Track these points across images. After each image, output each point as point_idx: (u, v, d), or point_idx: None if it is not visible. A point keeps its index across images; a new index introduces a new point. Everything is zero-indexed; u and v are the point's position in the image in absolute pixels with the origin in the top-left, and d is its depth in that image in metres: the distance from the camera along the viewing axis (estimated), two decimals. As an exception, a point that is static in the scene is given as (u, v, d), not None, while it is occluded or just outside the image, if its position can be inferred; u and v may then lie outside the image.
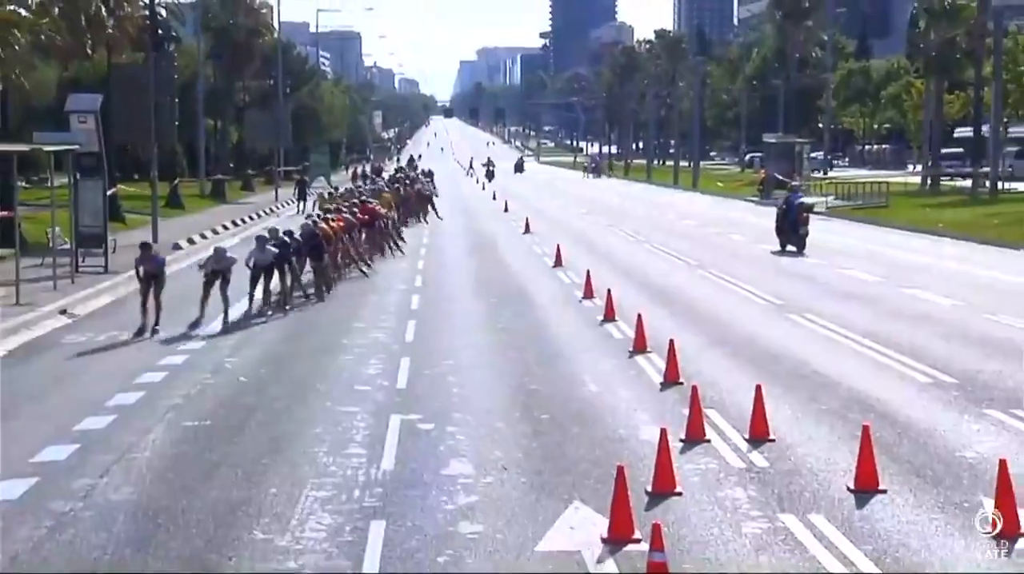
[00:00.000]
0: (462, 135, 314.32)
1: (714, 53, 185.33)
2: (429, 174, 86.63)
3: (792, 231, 47.75)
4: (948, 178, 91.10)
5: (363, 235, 42.30)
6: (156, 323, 28.20)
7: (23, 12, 47.93)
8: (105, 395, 21.16)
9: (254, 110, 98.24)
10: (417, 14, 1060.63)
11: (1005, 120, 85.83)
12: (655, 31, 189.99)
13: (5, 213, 39.58)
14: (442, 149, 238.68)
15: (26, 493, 15.01)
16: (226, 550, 12.97)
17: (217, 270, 29.21)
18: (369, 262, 41.30)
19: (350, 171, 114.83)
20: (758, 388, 18.24)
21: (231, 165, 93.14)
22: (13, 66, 47.86)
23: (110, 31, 61.57)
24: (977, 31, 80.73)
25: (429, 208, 67.30)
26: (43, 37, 49.40)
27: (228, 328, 28.94)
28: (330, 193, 59.43)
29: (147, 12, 79.44)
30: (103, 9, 61.82)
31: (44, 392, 22.11)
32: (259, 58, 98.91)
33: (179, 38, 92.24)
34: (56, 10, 53.74)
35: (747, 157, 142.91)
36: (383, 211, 47.52)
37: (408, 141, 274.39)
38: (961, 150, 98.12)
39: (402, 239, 49.67)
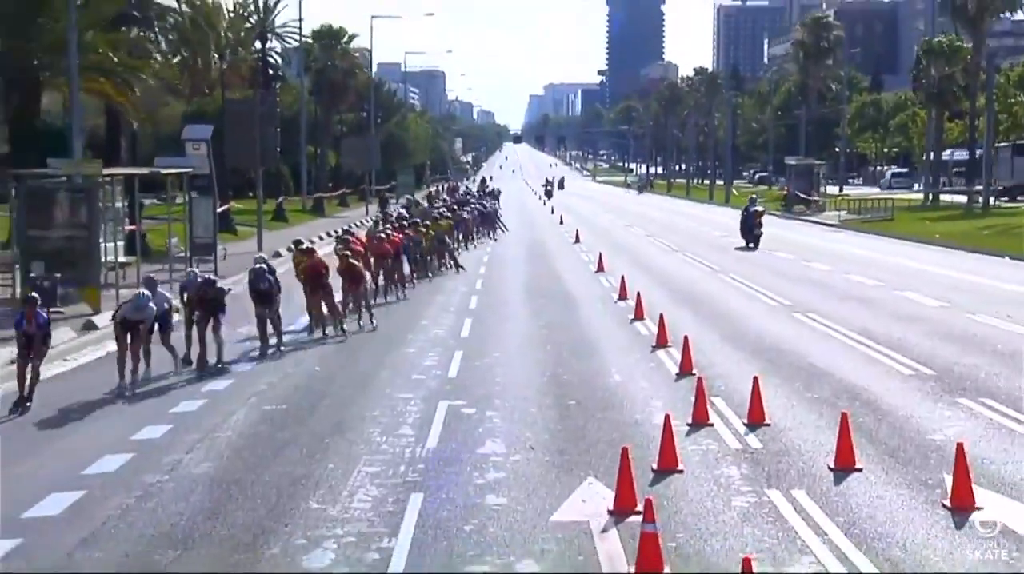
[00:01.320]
0: (529, 159, 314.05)
1: (746, 87, 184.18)
2: (495, 194, 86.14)
3: (748, 232, 53.96)
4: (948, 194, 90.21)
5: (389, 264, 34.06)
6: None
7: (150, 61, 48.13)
8: (200, 382, 21.23)
9: (349, 138, 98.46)
10: (493, 54, 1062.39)
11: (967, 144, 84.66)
12: (695, 69, 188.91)
13: (132, 227, 39.91)
14: (512, 171, 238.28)
15: (122, 467, 15.06)
16: (284, 518, 12.90)
17: (131, 319, 20.51)
18: (398, 292, 33.69)
19: (432, 189, 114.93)
20: (755, 379, 18.10)
21: (329, 185, 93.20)
22: (142, 104, 48.42)
23: (224, 73, 62.44)
24: (972, 69, 79.82)
25: (497, 224, 64.05)
26: (166, 80, 49.55)
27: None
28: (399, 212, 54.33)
29: (259, 56, 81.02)
30: (217, 57, 62.77)
31: (147, 377, 21.66)
32: (353, 94, 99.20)
33: (285, 77, 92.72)
34: (178, 59, 54.13)
35: (756, 176, 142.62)
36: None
37: (484, 164, 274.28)
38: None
39: (457, 262, 43.27)
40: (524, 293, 36.23)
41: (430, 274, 40.02)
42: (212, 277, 25.05)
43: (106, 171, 33.48)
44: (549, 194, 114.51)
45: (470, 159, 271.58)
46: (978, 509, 12.90)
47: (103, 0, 46.82)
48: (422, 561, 11.54)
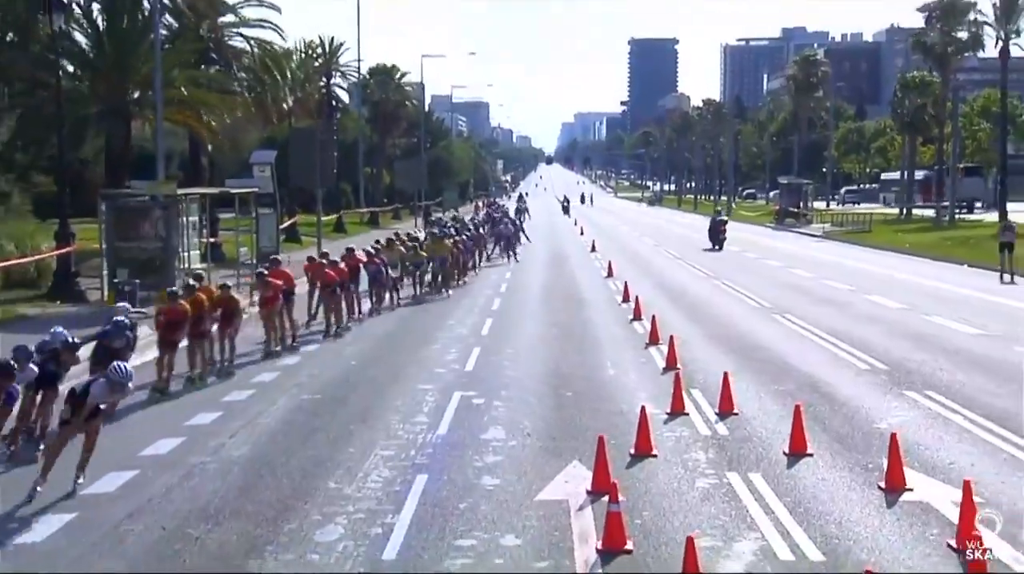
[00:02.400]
0: (559, 177, 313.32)
1: (748, 116, 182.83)
2: (520, 210, 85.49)
3: (715, 237, 58.93)
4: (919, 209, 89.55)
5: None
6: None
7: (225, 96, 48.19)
8: (250, 374, 21.07)
9: (401, 160, 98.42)
10: (530, 87, 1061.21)
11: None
12: (704, 100, 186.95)
13: (213, 239, 40.13)
14: (545, 189, 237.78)
15: (172, 450, 14.95)
16: (304, 497, 12.74)
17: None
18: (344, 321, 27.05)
19: (478, 202, 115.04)
20: (725, 374, 17.86)
21: (384, 200, 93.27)
22: (223, 132, 48.53)
23: (292, 105, 62.79)
24: (941, 100, 79.05)
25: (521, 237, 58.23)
26: (239, 113, 49.60)
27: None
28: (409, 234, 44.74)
29: (324, 90, 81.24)
30: (288, 91, 62.94)
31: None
32: (405, 122, 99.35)
33: (347, 108, 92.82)
34: (252, 94, 54.23)
35: (743, 192, 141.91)
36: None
37: (521, 182, 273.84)
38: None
39: (463, 278, 39.14)
40: (542, 296, 35.81)
41: (438, 289, 35.35)
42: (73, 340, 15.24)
43: (181, 191, 33.55)
44: (566, 210, 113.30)
45: (509, 178, 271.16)
46: (908, 490, 12.71)
47: (185, 43, 46.99)
48: (419, 536, 11.33)
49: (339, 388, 19.76)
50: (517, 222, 61.65)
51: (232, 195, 37.78)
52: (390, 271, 31.96)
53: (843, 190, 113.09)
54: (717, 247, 57.93)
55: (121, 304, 20.35)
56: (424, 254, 35.55)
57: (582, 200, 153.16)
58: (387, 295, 31.65)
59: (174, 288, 21.06)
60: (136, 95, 42.95)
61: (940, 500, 12.21)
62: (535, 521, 11.82)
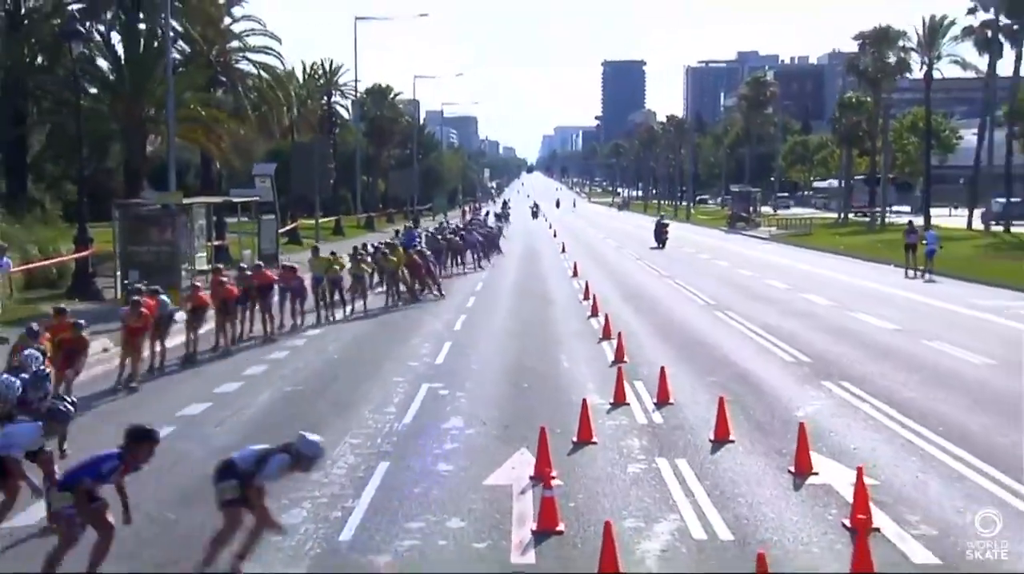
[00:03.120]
0: (540, 184, 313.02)
1: (706, 130, 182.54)
2: (503, 215, 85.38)
3: (659, 237, 61.79)
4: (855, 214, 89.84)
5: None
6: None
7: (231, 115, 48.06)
8: (242, 367, 20.84)
9: (395, 170, 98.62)
10: (515, 103, 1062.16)
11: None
12: (667, 116, 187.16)
13: (221, 242, 39.98)
14: (528, 195, 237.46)
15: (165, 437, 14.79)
16: (277, 484, 12.44)
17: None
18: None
19: (465, 207, 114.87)
20: (662, 368, 17.79)
21: (380, 206, 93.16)
22: (231, 147, 48.39)
23: (294, 122, 62.76)
24: (874, 118, 79.24)
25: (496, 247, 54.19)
26: (243, 131, 49.42)
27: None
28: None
29: (325, 106, 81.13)
30: (292, 109, 62.86)
31: (204, 362, 21.58)
32: (398, 135, 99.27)
33: (347, 123, 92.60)
34: (256, 112, 54.07)
35: (697, 198, 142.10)
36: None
37: (505, 188, 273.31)
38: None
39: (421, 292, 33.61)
40: (513, 294, 35.59)
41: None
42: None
43: (187, 200, 33.32)
44: (534, 215, 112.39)
45: (495, 185, 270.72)
46: (814, 474, 12.67)
47: (195, 69, 46.86)
48: (374, 519, 11.21)
49: (320, 381, 19.54)
50: (497, 228, 60.71)
51: (235, 203, 37.62)
52: (333, 283, 28.83)
53: (775, 196, 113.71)
54: (660, 245, 60.48)
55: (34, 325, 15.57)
56: (365, 267, 31.05)
57: (557, 205, 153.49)
58: (349, 302, 29.47)
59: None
60: (152, 114, 42.77)
61: (841, 483, 12.17)
62: (480, 504, 11.73)
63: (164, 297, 20.56)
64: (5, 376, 11.70)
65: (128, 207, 31.48)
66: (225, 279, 23.51)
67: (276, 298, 25.72)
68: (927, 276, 39.97)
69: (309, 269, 28.30)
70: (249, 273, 24.88)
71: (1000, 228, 61.56)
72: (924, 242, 41.54)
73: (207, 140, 45.08)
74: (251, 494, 9.44)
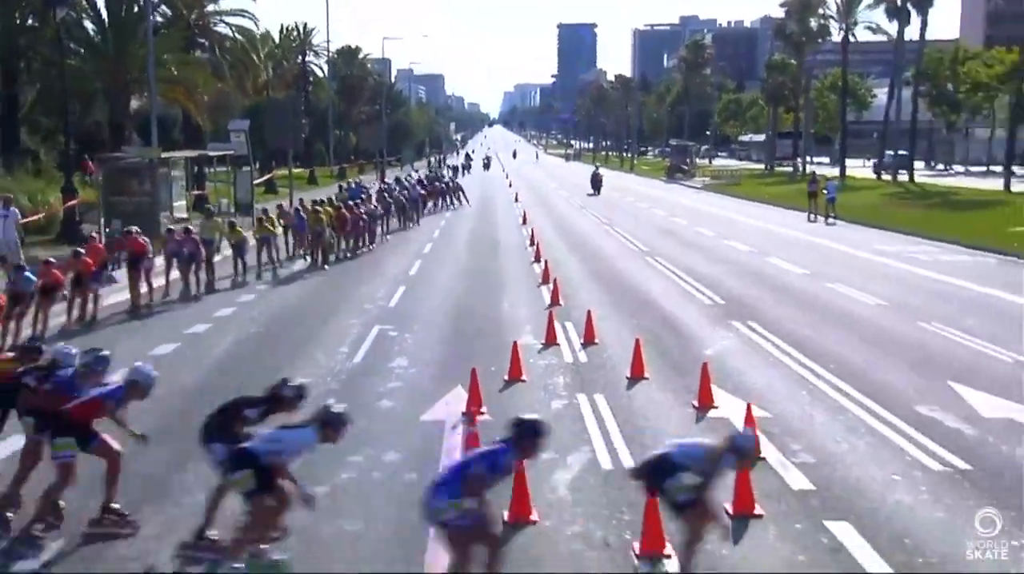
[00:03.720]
0: (501, 137, 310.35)
1: (651, 89, 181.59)
2: (464, 166, 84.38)
3: (595, 186, 63.34)
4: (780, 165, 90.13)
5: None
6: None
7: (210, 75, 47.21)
8: (213, 309, 20.60)
9: (366, 124, 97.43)
10: (479, 62, 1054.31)
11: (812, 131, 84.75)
12: (616, 75, 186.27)
13: (200, 191, 39.53)
14: (489, 147, 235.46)
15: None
16: None
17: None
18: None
19: (427, 160, 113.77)
20: (588, 312, 17.89)
21: (351, 157, 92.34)
22: (212, 104, 47.68)
23: (269, 80, 61.68)
24: (797, 78, 79.31)
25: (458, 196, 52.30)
26: (221, 86, 48.58)
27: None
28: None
29: (300, 65, 79.86)
30: (268, 68, 61.89)
31: (183, 305, 21.28)
32: (368, 92, 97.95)
33: (321, 80, 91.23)
34: (232, 73, 53.14)
35: (640, 151, 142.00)
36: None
37: (469, 141, 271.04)
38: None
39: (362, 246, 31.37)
40: (467, 241, 35.30)
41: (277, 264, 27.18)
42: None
43: (166, 154, 32.90)
44: (486, 166, 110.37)
45: (460, 137, 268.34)
46: (715, 407, 12.83)
47: (175, 32, 45.95)
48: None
49: (281, 324, 19.32)
50: (455, 182, 57.28)
51: (211, 157, 37.17)
52: (237, 248, 25.27)
53: (702, 148, 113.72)
54: (596, 192, 62.42)
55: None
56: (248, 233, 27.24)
57: (514, 155, 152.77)
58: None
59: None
60: (134, 74, 41.93)
61: (737, 416, 12.26)
62: (415, 439, 11.75)
63: (28, 273, 17.34)
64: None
65: (110, 161, 31.11)
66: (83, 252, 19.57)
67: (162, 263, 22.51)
68: (829, 220, 40.82)
69: (200, 233, 23.75)
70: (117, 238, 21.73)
71: (900, 178, 62.16)
72: (825, 191, 42.16)
73: (186, 99, 44.39)
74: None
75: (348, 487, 10.24)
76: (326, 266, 27.59)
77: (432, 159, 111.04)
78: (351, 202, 32.69)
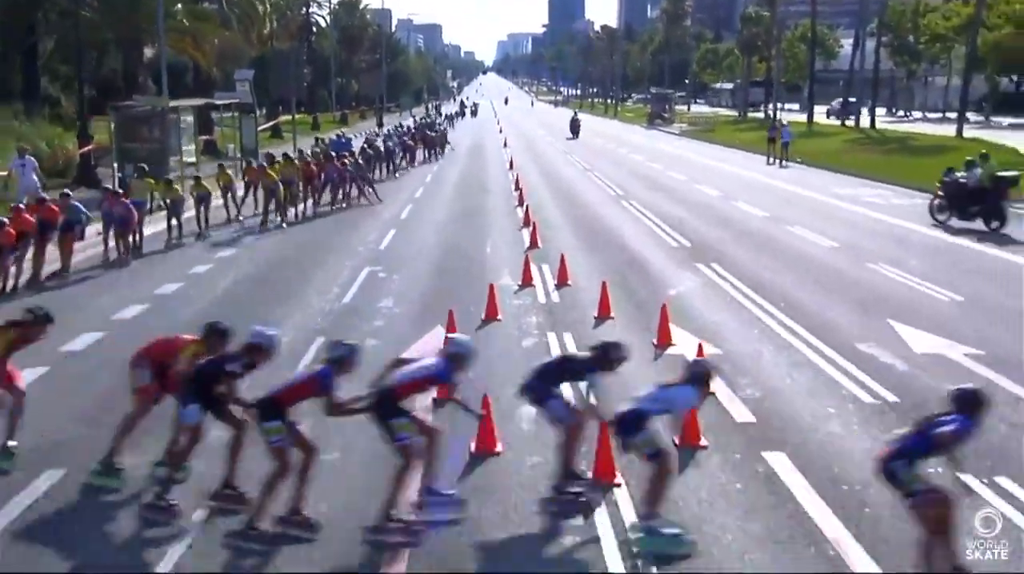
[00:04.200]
0: (494, 84, 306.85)
1: (635, 39, 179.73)
2: (458, 114, 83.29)
3: (573, 130, 65.67)
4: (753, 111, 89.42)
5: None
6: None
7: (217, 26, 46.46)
8: (214, 252, 20.51)
9: (366, 72, 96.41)
10: (476, 13, 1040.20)
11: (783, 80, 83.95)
12: (602, 26, 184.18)
13: (209, 136, 39.16)
14: (483, 95, 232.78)
15: (143, 312, 14.86)
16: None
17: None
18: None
19: (427, 107, 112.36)
20: (562, 255, 17.85)
21: (353, 104, 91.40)
22: (219, 53, 46.94)
23: (273, 31, 60.70)
24: (770, 30, 78.35)
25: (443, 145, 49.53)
26: (228, 35, 47.81)
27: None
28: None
29: (303, 15, 78.56)
30: (273, 20, 60.87)
31: (183, 246, 21.18)
32: (369, 41, 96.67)
33: (323, 30, 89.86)
34: (239, 25, 52.25)
35: (626, 97, 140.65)
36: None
37: (465, 87, 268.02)
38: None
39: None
40: (456, 185, 34.90)
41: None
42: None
43: (174, 103, 32.44)
44: (474, 113, 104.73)
45: (456, 84, 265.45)
46: (672, 345, 12.86)
47: (183, -17, 45.16)
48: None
49: (279, 265, 19.18)
50: (442, 131, 54.42)
51: (217, 105, 36.78)
52: (173, 206, 21.84)
53: (676, 94, 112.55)
54: (575, 135, 63.89)
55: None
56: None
57: (506, 102, 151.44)
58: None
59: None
60: (145, 25, 41.21)
61: (691, 353, 12.33)
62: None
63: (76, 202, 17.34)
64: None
65: (122, 109, 30.68)
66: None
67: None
68: (784, 164, 40.93)
69: (132, 194, 20.18)
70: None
71: (849, 123, 61.98)
72: (782, 137, 42.32)
73: (195, 49, 43.70)
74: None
75: (329, 419, 10.26)
76: (284, 224, 24.18)
77: (428, 106, 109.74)
78: (335, 154, 29.84)
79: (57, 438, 9.70)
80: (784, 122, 50.52)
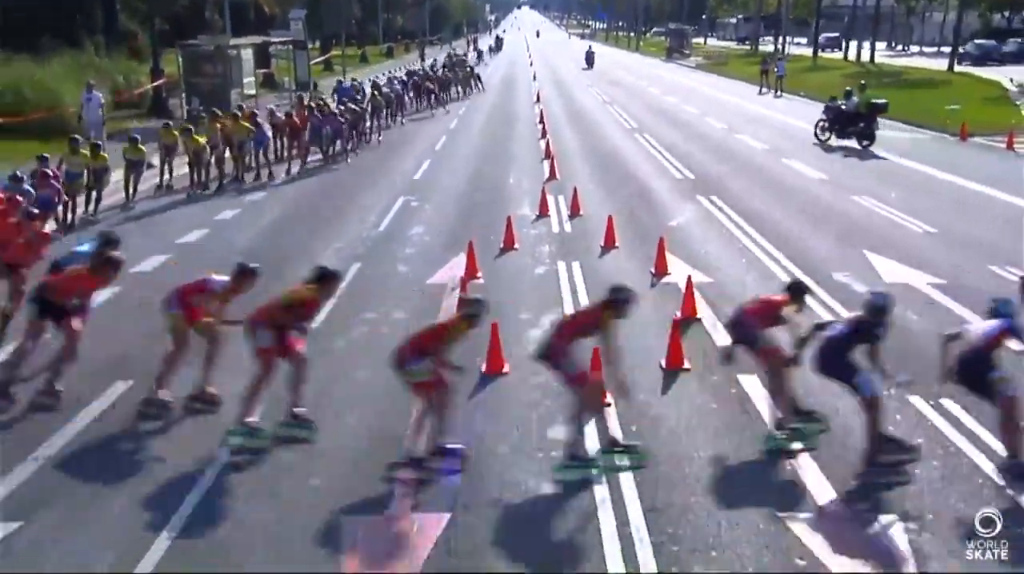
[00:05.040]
0: (528, 18, 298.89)
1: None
2: (492, 49, 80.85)
3: (588, 61, 63.75)
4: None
5: None
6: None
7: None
8: (270, 182, 20.24)
9: (411, 7, 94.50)
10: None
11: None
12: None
13: (267, 70, 38.89)
14: (518, 29, 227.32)
15: (205, 236, 15.04)
16: (278, 279, 11.87)
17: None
18: None
19: (466, 39, 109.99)
20: (575, 188, 17.66)
21: (398, 37, 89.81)
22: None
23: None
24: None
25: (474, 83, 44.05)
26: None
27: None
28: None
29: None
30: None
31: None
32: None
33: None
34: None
35: (648, 31, 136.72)
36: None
37: (502, 21, 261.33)
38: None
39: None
40: (488, 117, 34.05)
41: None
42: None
43: (234, 41, 32.18)
44: (499, 47, 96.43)
45: (494, 18, 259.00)
46: (668, 274, 12.80)
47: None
48: (342, 308, 10.99)
49: (324, 193, 18.99)
50: (472, 69, 48.13)
51: (273, 43, 36.40)
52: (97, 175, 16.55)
53: (691, 29, 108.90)
54: (589, 66, 62.66)
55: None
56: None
57: (537, 35, 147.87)
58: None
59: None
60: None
61: (681, 279, 12.14)
62: (421, 299, 11.76)
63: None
64: None
65: (188, 47, 30.56)
66: None
67: None
68: (777, 94, 40.82)
69: (67, 168, 15.88)
70: None
71: (833, 55, 60.10)
72: (776, 70, 41.88)
73: (256, -9, 43.07)
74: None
75: (360, 340, 10.50)
76: (207, 188, 19.04)
77: (467, 40, 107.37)
78: (342, 101, 26.20)
79: (126, 352, 9.93)
80: (780, 56, 49.11)
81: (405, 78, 37.20)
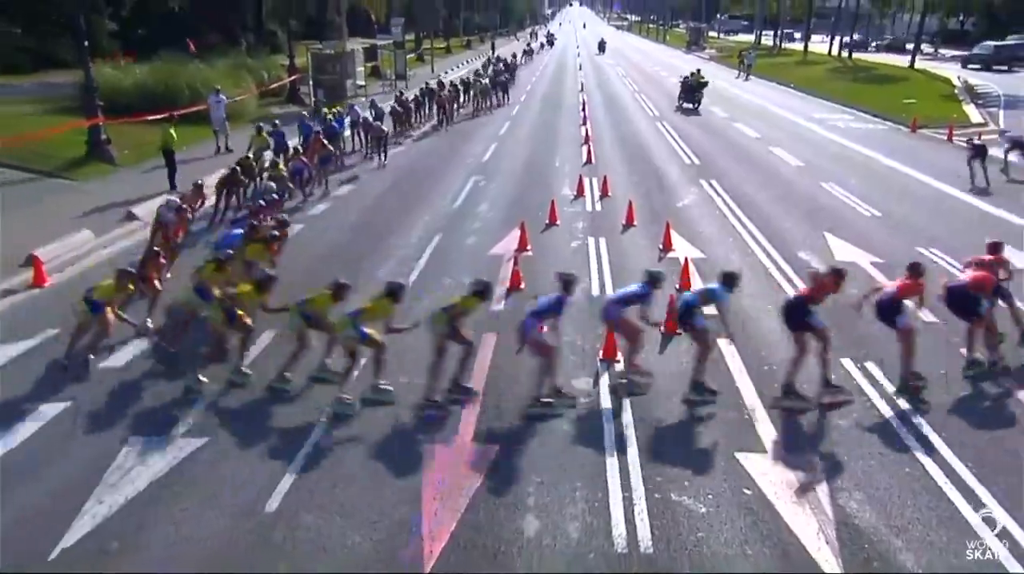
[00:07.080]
0: (578, 12, 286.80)
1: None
2: (542, 45, 78.16)
3: (601, 50, 61.99)
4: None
5: None
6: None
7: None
8: (358, 171, 18.71)
9: (487, 10, 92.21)
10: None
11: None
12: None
13: (374, 63, 38.69)
14: (570, 22, 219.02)
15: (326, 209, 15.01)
16: (377, 247, 12.35)
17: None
18: None
19: (528, 31, 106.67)
20: (604, 176, 17.31)
21: (475, 31, 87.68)
22: (378, 5, 45.45)
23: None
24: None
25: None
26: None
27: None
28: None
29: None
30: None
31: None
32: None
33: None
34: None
35: (676, 24, 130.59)
36: None
37: (557, 14, 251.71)
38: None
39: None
40: (541, 104, 32.39)
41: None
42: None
43: (350, 44, 32.15)
44: (551, 43, 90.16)
45: (550, 13, 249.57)
46: (672, 250, 12.63)
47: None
48: (426, 271, 11.26)
49: (406, 178, 17.84)
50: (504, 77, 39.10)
51: (378, 45, 36.25)
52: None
53: (706, 26, 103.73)
54: (601, 52, 62.11)
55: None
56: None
57: (584, 26, 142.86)
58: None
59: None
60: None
61: (684, 252, 12.30)
62: (483, 267, 11.48)
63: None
64: None
65: (314, 51, 30.82)
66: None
67: None
68: (747, 78, 41.09)
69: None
70: None
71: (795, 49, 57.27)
72: (746, 60, 42.29)
73: (368, 3, 42.55)
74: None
75: (435, 301, 10.69)
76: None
77: (528, 32, 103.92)
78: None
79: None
80: (752, 49, 47.75)
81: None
